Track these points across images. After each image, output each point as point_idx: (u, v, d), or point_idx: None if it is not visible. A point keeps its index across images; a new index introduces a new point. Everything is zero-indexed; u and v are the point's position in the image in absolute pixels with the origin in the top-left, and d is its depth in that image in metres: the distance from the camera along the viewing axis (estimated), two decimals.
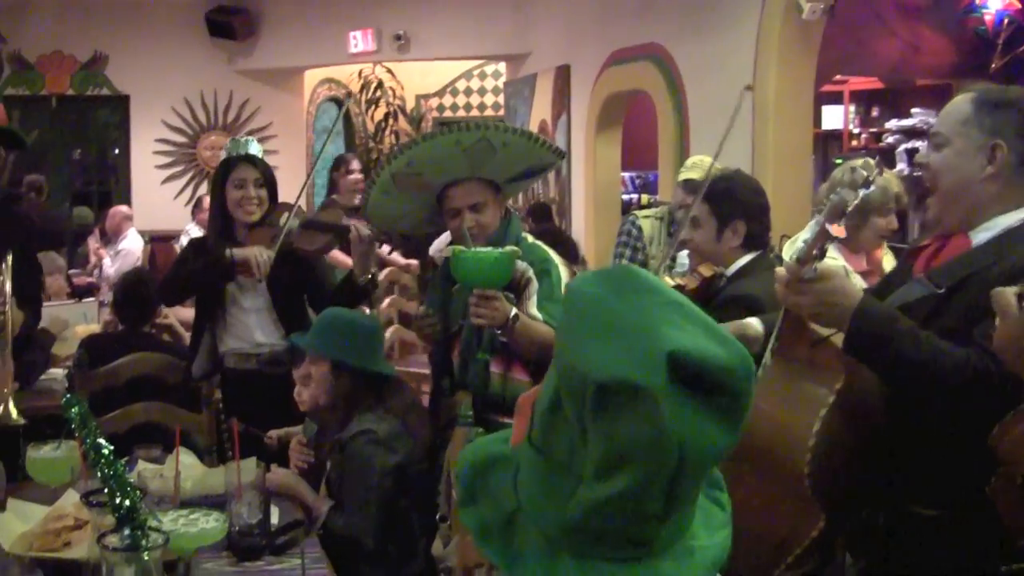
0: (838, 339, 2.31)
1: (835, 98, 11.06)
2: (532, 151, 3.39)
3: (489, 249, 3.21)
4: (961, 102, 2.41)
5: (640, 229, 5.45)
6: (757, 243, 3.56)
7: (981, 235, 2.36)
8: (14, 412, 3.23)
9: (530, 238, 3.58)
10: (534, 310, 3.32)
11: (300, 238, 4.08)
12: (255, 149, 4.17)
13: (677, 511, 1.18)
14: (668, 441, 1.11)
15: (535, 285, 3.37)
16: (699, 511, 1.26)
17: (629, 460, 1.12)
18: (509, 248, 3.24)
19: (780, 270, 2.37)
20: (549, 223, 8.25)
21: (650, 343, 1.12)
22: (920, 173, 2.56)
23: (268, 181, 4.16)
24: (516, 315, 3.23)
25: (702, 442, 1.13)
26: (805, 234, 2.25)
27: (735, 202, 3.54)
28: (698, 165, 5.66)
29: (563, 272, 3.43)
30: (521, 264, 3.34)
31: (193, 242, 4.48)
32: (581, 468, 1.16)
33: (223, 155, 4.29)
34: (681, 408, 1.11)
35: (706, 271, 3.55)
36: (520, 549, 1.23)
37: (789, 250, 4.33)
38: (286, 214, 4.09)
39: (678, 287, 3.15)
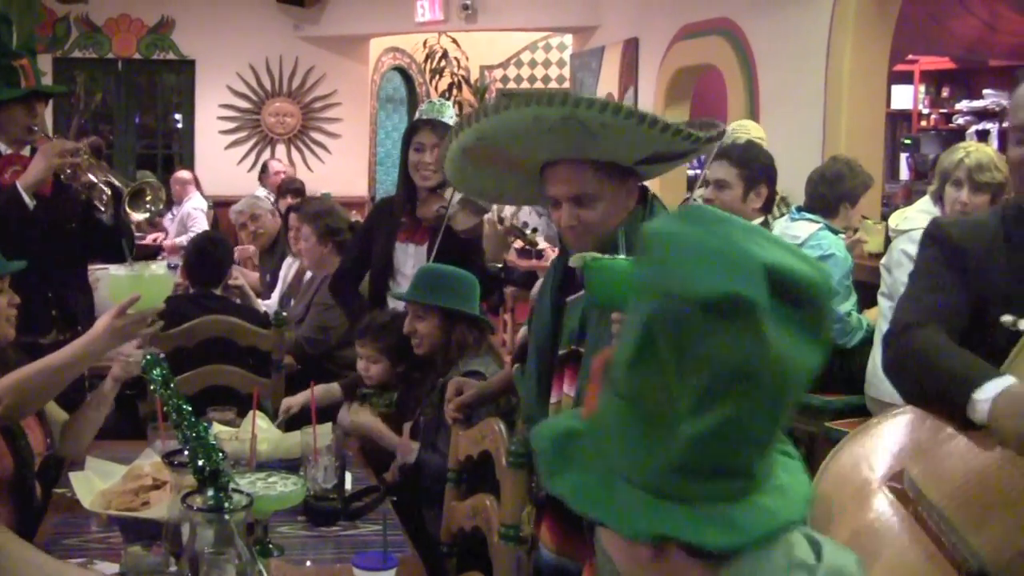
0: None
1: (905, 78, 10.88)
2: (651, 138, 2.30)
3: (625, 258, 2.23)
4: None
5: None
6: (768, 206, 3.89)
7: None
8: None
9: None
10: None
11: (456, 216, 4.00)
12: (447, 116, 4.05)
13: (775, 440, 1.20)
14: (771, 357, 1.13)
15: None
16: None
17: (734, 384, 1.13)
18: None
19: None
20: None
21: (746, 258, 1.14)
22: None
23: None
24: None
25: (798, 360, 1.16)
26: None
27: (762, 167, 3.87)
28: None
29: None
30: None
31: (378, 205, 4.64)
32: (679, 408, 1.15)
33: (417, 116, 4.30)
34: (778, 323, 1.13)
35: None
36: (624, 504, 1.21)
37: (897, 223, 4.22)
38: (450, 189, 3.98)
39: None
